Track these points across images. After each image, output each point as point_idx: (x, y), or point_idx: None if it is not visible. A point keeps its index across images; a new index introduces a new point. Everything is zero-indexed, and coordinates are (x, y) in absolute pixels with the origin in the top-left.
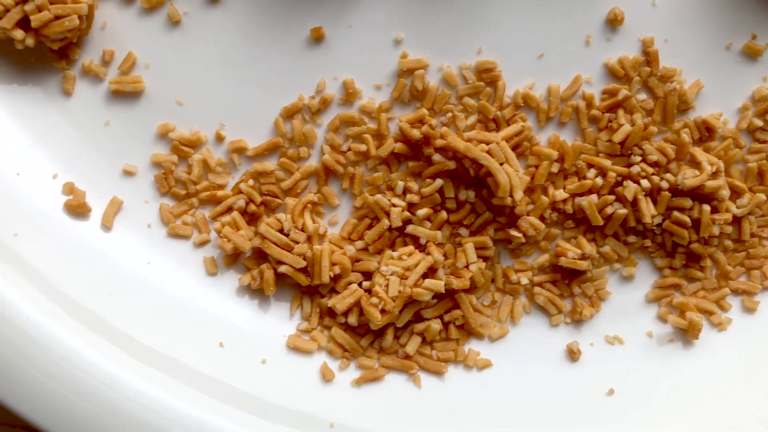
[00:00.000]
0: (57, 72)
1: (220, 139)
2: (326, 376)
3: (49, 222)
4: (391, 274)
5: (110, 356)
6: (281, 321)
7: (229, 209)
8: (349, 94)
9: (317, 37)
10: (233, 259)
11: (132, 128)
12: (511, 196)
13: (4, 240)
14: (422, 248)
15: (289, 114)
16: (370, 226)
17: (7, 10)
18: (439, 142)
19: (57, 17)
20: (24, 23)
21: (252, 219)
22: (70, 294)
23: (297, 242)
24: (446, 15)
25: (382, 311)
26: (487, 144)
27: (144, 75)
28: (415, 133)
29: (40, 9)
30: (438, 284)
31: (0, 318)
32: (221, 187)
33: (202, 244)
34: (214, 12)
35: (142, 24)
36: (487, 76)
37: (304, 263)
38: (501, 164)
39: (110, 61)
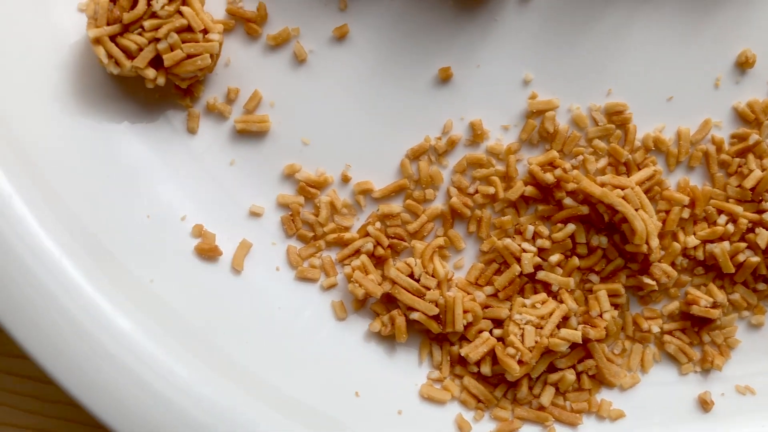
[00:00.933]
0: (180, 109)
1: (346, 180)
2: (463, 428)
3: (181, 266)
4: (525, 323)
5: (246, 403)
6: (410, 368)
7: (357, 252)
8: (476, 135)
9: (445, 77)
10: (361, 303)
11: (257, 168)
12: (647, 243)
13: (141, 286)
14: (553, 295)
15: (416, 155)
16: (498, 271)
17: (140, 49)
18: (571, 186)
19: (189, 56)
20: (155, 61)
21: (378, 262)
22: (205, 339)
23: (428, 288)
24: (575, 55)
25: (519, 362)
26: (622, 189)
27: (269, 114)
28: (549, 177)
29: (172, 48)
30: (575, 335)
31: (137, 365)
32: (347, 229)
33: (330, 287)
34: (341, 49)
35: (267, 61)
36: (618, 118)
37: (436, 310)
38: (636, 210)
39: (235, 99)
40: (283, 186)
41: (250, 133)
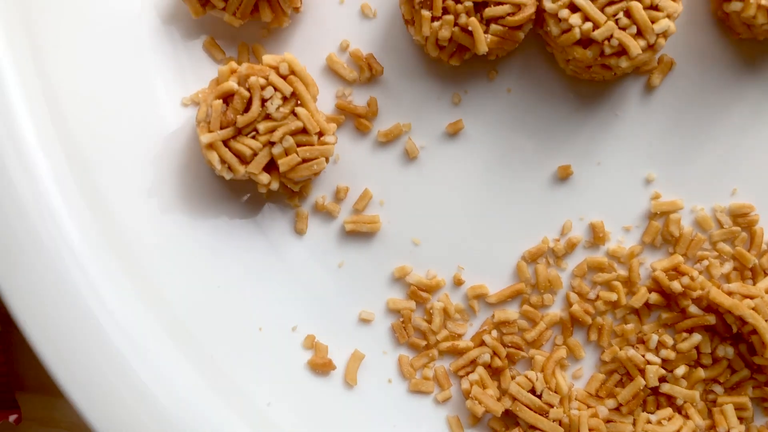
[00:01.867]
0: (288, 208)
1: (458, 283)
2: None
3: (294, 382)
4: None
5: None
6: None
7: (472, 362)
8: (597, 237)
9: (564, 175)
10: (479, 419)
11: (366, 270)
12: None
13: (256, 406)
14: (677, 408)
15: (533, 257)
16: (619, 382)
17: (254, 153)
18: (697, 294)
19: (304, 160)
20: (268, 164)
21: (494, 372)
22: None
23: (551, 405)
24: (699, 152)
25: None
26: (752, 299)
27: (378, 213)
28: (676, 286)
29: (287, 152)
30: None
31: None
32: (460, 336)
33: (444, 401)
34: (454, 145)
35: (377, 157)
36: (743, 220)
37: (561, 430)
38: (766, 321)
39: (344, 198)
40: (393, 289)
41: (360, 234)
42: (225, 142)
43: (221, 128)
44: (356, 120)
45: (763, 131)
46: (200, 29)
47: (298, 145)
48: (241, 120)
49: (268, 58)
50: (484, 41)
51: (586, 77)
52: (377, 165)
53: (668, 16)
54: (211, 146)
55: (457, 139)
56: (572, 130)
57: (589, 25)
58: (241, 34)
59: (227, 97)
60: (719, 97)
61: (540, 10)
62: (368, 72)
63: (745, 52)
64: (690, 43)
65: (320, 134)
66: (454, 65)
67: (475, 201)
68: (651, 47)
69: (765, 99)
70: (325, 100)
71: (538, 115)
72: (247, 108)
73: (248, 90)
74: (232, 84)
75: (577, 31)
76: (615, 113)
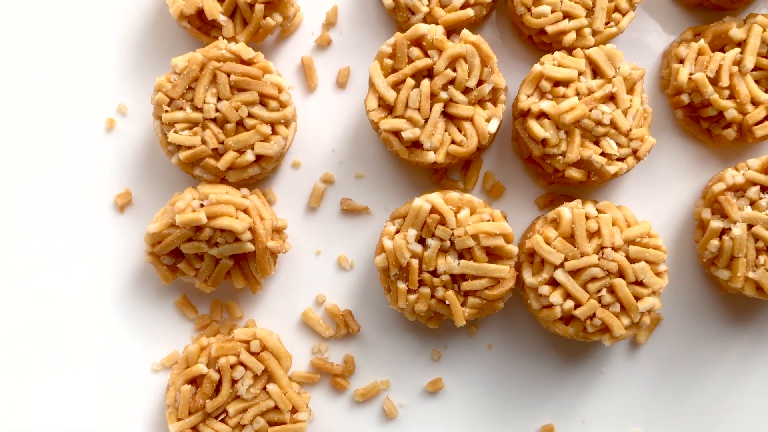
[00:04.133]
0: None
1: None
2: None
3: None
4: None
5: None
6: None
7: None
8: None
9: None
10: None
11: None
12: None
13: None
14: None
15: None
16: None
17: None
18: None
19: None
20: None
21: None
22: None
23: None
24: (686, 408)
25: None
26: None
27: None
28: None
29: None
30: None
31: None
32: None
33: None
34: (434, 403)
35: (354, 417)
36: None
37: None
38: None
39: None
40: None
41: None
42: (194, 427)
43: (190, 413)
44: (332, 378)
45: (749, 385)
46: (172, 285)
47: (271, 424)
48: (211, 405)
49: (239, 333)
50: (462, 315)
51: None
52: (354, 425)
53: (653, 293)
54: None
55: (437, 397)
56: (555, 387)
57: (570, 303)
58: (214, 290)
59: (196, 377)
60: (707, 350)
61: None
62: (345, 329)
63: (732, 305)
64: (677, 295)
65: (294, 411)
66: None
67: None
68: (635, 324)
69: (752, 353)
70: (300, 356)
71: (520, 372)
72: (217, 389)
73: (218, 371)
74: (201, 367)
75: (558, 309)
76: (601, 370)
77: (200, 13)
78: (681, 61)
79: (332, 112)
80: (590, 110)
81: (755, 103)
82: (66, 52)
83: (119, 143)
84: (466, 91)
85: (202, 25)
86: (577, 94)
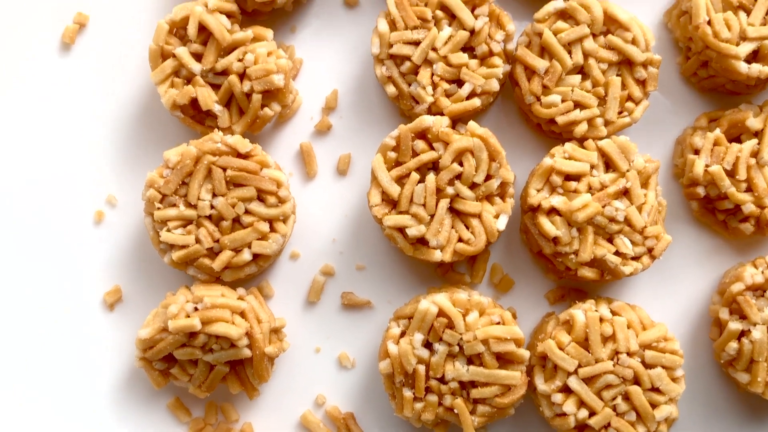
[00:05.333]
0: None
1: None
2: None
3: None
4: None
5: None
6: None
7: None
8: None
9: None
10: None
11: None
12: None
13: None
14: None
15: None
16: None
17: None
18: None
19: None
20: None
21: None
22: None
23: None
24: None
25: None
26: None
27: None
28: None
29: None
30: None
31: None
32: None
33: None
34: None
35: None
36: None
37: None
38: None
39: None
40: None
41: None
42: None
43: None
44: None
45: None
46: (165, 387)
47: None
48: None
49: None
50: (472, 425)
51: None
52: None
53: (670, 400)
54: None
55: None
56: None
57: (584, 413)
58: None
59: None
60: None
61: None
62: None
63: (749, 403)
64: (692, 392)
65: None
66: None
67: None
68: None
69: None
70: None
71: None
72: None
73: None
74: None
75: (572, 419)
76: None
77: (194, 101)
78: (696, 152)
79: (332, 200)
80: (603, 207)
81: None
82: (54, 140)
83: (108, 236)
84: (473, 186)
85: (196, 114)
86: (590, 188)
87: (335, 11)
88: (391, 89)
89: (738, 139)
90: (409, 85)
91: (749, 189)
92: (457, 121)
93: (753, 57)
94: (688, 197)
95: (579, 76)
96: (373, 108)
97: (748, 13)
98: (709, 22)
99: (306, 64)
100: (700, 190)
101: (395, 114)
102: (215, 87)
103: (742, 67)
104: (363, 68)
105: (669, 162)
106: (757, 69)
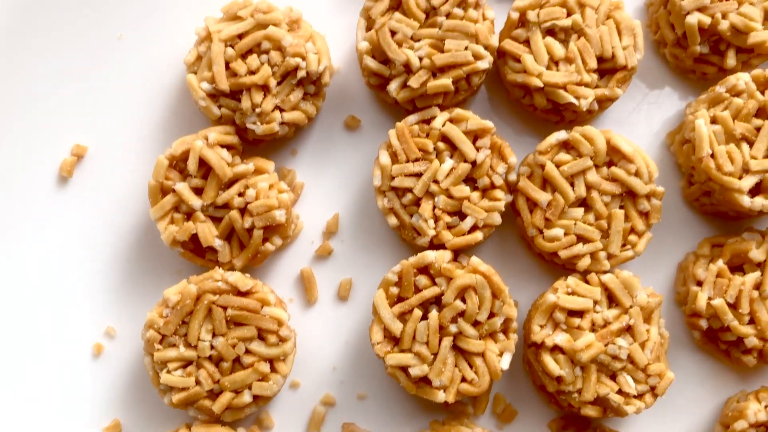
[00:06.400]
0: None
1: None
2: None
3: None
4: None
5: None
6: None
7: None
8: None
9: None
10: None
11: None
12: None
13: None
14: None
15: None
16: None
17: None
18: None
19: None
20: None
21: None
22: None
23: None
24: None
25: None
26: None
27: None
28: None
29: None
30: None
31: None
32: None
33: None
34: None
35: None
36: None
37: None
38: None
39: None
40: None
41: None
42: None
43: None
44: None
45: None
46: None
47: None
48: None
49: None
50: None
51: None
52: None
53: None
54: None
55: None
56: None
57: None
58: None
59: None
60: None
61: None
62: None
63: None
64: None
65: None
66: None
67: None
68: None
69: None
70: None
71: None
72: None
73: None
74: None
75: None
76: None
77: (194, 235)
78: (699, 283)
79: (333, 327)
80: (606, 345)
81: None
82: (53, 273)
83: (108, 369)
84: (476, 323)
85: (196, 248)
86: (593, 325)
87: (336, 134)
88: (393, 220)
89: (741, 268)
90: (411, 216)
91: (752, 321)
92: (460, 252)
93: (756, 188)
94: (690, 327)
95: (582, 209)
96: (375, 232)
97: (751, 144)
98: (712, 155)
99: (307, 188)
100: (703, 323)
101: (397, 239)
102: (216, 220)
103: (745, 201)
104: (364, 192)
105: (671, 286)
106: (760, 203)
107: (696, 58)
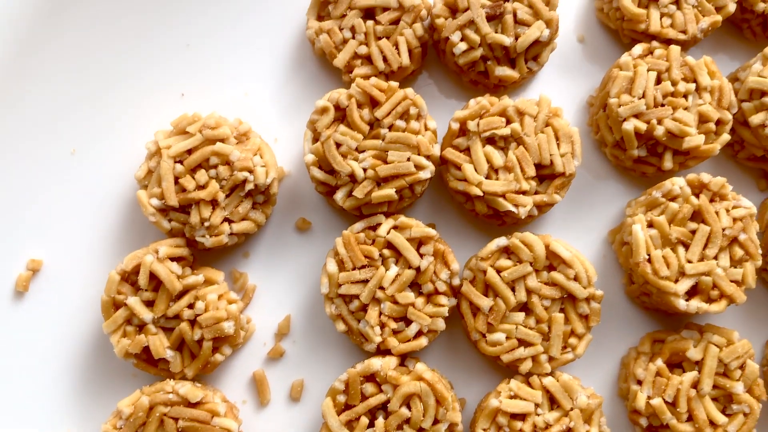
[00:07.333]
0: None
1: None
2: None
3: None
4: None
5: None
6: None
7: None
8: None
9: None
10: None
11: None
12: None
13: None
14: None
15: None
16: None
17: None
18: None
19: None
20: None
21: None
22: None
23: None
24: None
25: None
26: None
27: None
28: None
29: None
30: None
31: None
32: None
33: None
34: None
35: None
36: None
37: None
38: None
39: None
40: None
41: None
42: None
43: None
44: None
45: None
46: None
47: None
48: None
49: None
50: None
51: None
52: None
53: None
54: None
55: None
56: None
57: None
58: None
59: None
60: None
61: None
62: None
63: None
64: None
65: None
66: None
67: None
68: None
69: None
70: None
71: None
72: None
73: None
74: None
75: None
76: None
77: (147, 347)
78: (639, 382)
79: (285, 428)
80: None
81: (714, 425)
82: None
83: None
84: (421, 430)
85: (149, 357)
86: (534, 428)
87: (288, 236)
88: (341, 326)
89: (680, 365)
90: (359, 322)
91: (690, 419)
92: (406, 356)
93: (693, 289)
94: (632, 422)
95: (523, 314)
96: (327, 332)
97: (687, 247)
98: (649, 260)
99: (259, 290)
100: (643, 421)
101: (348, 339)
102: (168, 330)
103: (681, 304)
104: (315, 293)
105: (614, 380)
106: (695, 306)
107: (635, 160)
